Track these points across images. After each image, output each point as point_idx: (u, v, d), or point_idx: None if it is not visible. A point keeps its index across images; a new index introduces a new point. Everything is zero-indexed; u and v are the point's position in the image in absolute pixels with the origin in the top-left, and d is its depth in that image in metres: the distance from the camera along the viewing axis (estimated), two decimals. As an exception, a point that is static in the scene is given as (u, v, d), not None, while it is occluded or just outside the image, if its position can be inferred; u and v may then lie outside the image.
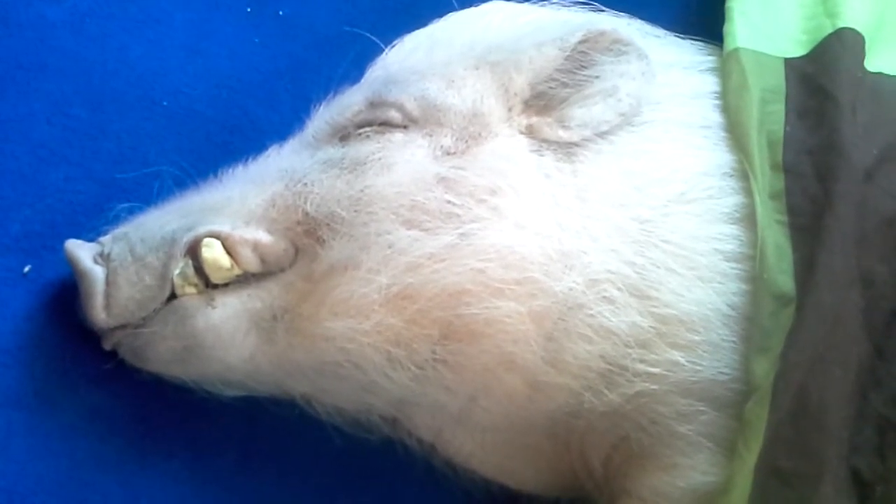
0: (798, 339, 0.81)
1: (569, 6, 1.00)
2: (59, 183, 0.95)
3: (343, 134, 0.93)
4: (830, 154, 0.86)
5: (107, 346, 0.90)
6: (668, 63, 0.96)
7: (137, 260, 0.87)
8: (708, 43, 1.00)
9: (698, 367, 0.85)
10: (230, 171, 0.96)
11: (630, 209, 0.87)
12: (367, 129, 0.92)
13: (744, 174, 0.88)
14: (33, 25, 0.98)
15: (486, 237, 0.85)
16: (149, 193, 0.96)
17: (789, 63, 0.93)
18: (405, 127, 0.92)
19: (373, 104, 0.93)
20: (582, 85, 0.92)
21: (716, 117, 0.93)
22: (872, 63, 0.91)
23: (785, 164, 0.87)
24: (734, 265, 0.86)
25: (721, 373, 0.85)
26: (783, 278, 0.83)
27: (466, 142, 0.90)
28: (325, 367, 0.88)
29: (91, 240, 0.90)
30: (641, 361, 0.85)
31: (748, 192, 0.88)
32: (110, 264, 0.87)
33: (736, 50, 0.94)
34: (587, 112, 0.91)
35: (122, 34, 1.02)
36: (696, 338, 0.84)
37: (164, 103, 1.03)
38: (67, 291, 0.90)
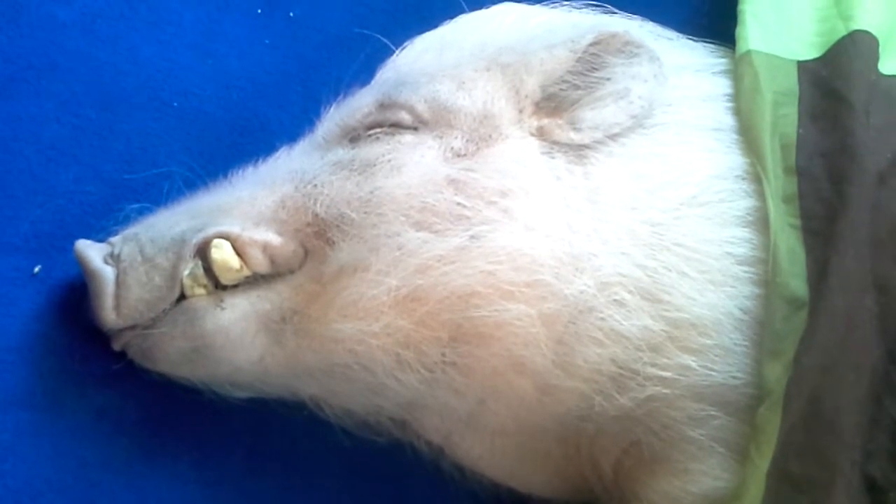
0: (811, 343, 0.80)
1: (580, 8, 1.00)
2: (68, 183, 0.95)
3: (353, 135, 0.93)
4: (844, 157, 0.85)
5: (116, 346, 0.90)
6: (680, 65, 0.96)
7: (147, 260, 0.87)
8: (720, 45, 1.00)
9: (710, 372, 0.84)
10: (240, 172, 0.96)
11: (641, 212, 0.87)
12: (377, 130, 0.92)
13: (756, 177, 0.88)
14: (44, 26, 0.98)
15: (497, 239, 0.85)
16: (158, 194, 0.96)
17: (802, 66, 0.92)
18: (415, 128, 0.92)
19: (383, 106, 0.93)
20: (593, 87, 0.91)
21: (728, 120, 0.92)
22: (886, 66, 0.91)
23: (798, 168, 0.87)
24: (746, 269, 0.85)
25: (733, 377, 0.84)
26: (796, 282, 0.83)
27: (477, 143, 0.90)
28: (334, 368, 0.88)
29: (101, 240, 0.90)
30: (653, 365, 0.84)
31: (761, 195, 0.87)
32: (120, 265, 0.87)
33: (748, 52, 0.94)
34: (598, 114, 0.90)
35: (133, 35, 1.02)
36: (708, 342, 0.84)
37: (174, 104, 1.03)
38: (77, 292, 0.90)
